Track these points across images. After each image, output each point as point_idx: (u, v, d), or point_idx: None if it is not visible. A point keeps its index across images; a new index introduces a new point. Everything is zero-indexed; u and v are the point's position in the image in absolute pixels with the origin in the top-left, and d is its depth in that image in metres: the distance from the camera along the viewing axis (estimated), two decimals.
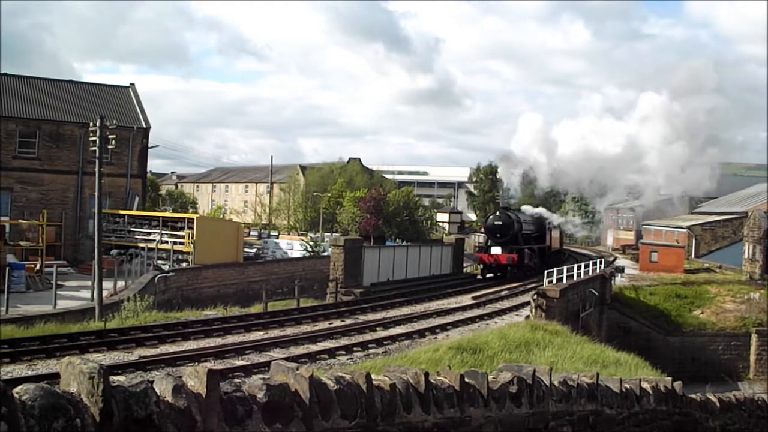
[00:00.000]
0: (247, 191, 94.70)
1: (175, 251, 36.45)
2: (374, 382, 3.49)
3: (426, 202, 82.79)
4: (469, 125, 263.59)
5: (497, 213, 36.80)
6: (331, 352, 15.09)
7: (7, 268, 27.25)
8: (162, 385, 2.51)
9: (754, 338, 33.31)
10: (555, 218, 48.34)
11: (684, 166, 46.82)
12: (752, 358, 33.28)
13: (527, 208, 44.95)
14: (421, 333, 17.89)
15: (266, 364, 12.46)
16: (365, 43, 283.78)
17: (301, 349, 15.33)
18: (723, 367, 32.15)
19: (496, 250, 34.94)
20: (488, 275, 35.61)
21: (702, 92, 48.47)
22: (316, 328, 18.13)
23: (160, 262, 34.92)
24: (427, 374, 3.90)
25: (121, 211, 40.46)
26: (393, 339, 17.01)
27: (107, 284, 25.79)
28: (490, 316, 21.81)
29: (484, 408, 4.40)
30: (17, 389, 2.06)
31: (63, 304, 24.20)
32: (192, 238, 36.58)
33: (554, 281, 23.79)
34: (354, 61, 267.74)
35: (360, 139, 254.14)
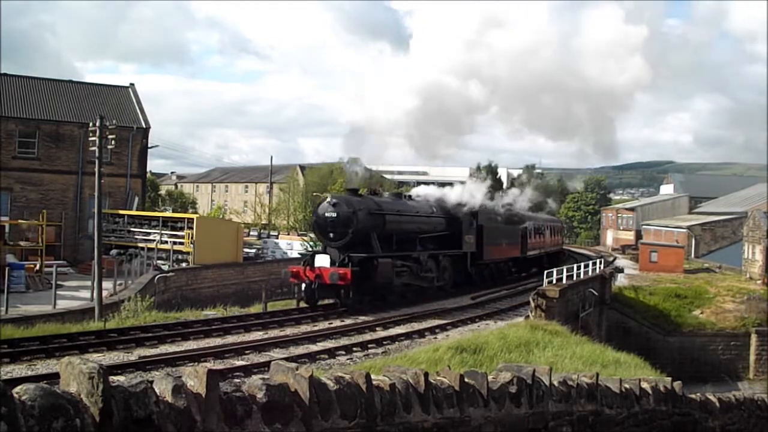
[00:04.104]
0: (246, 191, 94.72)
1: (175, 251, 36.45)
2: (374, 382, 3.49)
3: None
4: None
5: (330, 198, 22.25)
6: (331, 352, 15.07)
7: (6, 268, 27.27)
8: (162, 385, 2.51)
9: (753, 338, 33.35)
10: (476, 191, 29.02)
11: None
12: (752, 358, 33.31)
13: (427, 191, 28.78)
14: (420, 333, 17.88)
15: (266, 364, 12.46)
16: (370, 42, 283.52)
17: (300, 349, 15.32)
18: (723, 367, 32.19)
19: (321, 260, 20.91)
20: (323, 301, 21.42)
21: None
22: (315, 328, 18.11)
23: (159, 262, 34.92)
24: (426, 374, 3.91)
25: (121, 211, 40.46)
26: (392, 339, 17.00)
27: (107, 284, 25.78)
28: (490, 316, 21.79)
29: (483, 408, 4.40)
30: (17, 389, 2.06)
31: (63, 304, 24.20)
32: (192, 238, 36.59)
33: (554, 281, 23.80)
34: (357, 60, 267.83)
35: None
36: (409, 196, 27.17)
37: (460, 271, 27.23)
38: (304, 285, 20.98)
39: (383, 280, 21.24)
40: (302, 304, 21.33)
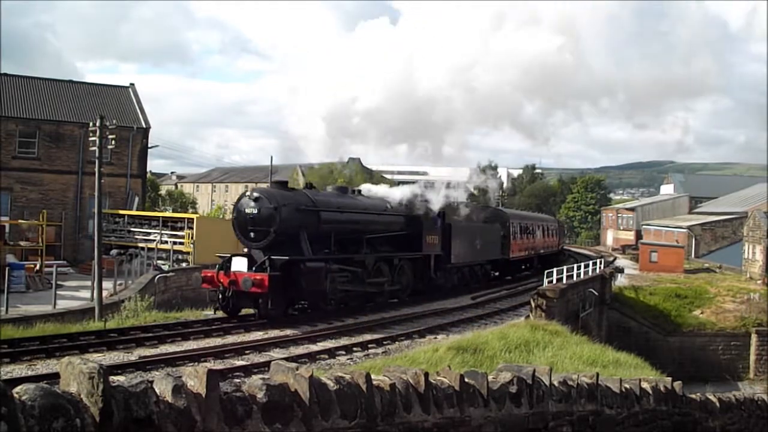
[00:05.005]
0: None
1: (175, 251, 36.45)
2: (374, 382, 3.49)
3: None
4: None
5: (252, 193, 19.01)
6: (331, 352, 15.07)
7: (7, 268, 27.28)
8: (162, 385, 2.51)
9: (754, 338, 33.36)
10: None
11: None
12: (752, 358, 33.32)
13: (378, 190, 24.94)
14: (420, 333, 17.88)
15: (266, 364, 12.45)
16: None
17: (300, 349, 15.31)
18: (723, 367, 32.20)
19: (239, 264, 18.33)
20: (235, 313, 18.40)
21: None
22: (315, 328, 18.11)
23: (159, 262, 34.92)
24: (426, 374, 3.91)
25: (121, 211, 40.48)
26: (393, 339, 17.00)
27: (107, 284, 25.78)
28: (490, 316, 21.79)
29: (483, 408, 4.40)
30: (17, 389, 2.06)
31: (63, 304, 24.19)
32: (192, 238, 36.59)
33: (554, 281, 23.80)
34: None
35: None
36: (359, 191, 23.83)
37: (423, 276, 24.26)
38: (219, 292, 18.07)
39: (312, 287, 18.19)
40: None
